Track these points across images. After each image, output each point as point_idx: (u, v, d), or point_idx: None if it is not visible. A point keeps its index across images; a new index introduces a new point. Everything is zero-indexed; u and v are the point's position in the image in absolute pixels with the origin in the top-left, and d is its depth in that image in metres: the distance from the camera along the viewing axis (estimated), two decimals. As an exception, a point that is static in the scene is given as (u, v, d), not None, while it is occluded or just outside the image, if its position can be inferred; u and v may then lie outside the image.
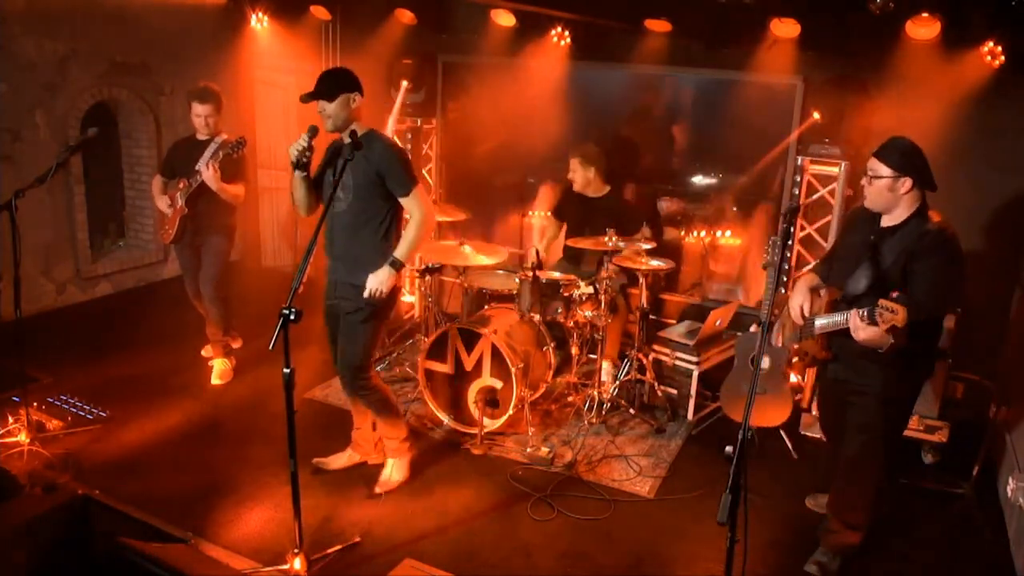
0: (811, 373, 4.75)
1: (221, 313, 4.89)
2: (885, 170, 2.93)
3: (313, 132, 3.37)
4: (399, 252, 3.48)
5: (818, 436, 4.29)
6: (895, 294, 2.75)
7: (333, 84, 3.36)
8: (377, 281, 3.44)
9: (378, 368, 5.11)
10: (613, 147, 5.72)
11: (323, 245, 3.57)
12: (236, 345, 5.26)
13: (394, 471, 3.86)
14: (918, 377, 3.15)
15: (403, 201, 3.49)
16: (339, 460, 3.99)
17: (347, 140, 3.29)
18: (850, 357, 3.10)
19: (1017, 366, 4.25)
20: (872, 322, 2.71)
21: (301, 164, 3.41)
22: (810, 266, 4.97)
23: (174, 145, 5.00)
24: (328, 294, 3.66)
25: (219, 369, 4.95)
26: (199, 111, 4.58)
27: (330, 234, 3.56)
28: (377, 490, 3.78)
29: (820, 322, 3.09)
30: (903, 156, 2.93)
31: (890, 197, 2.96)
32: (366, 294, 3.44)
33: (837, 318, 2.99)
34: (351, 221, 3.49)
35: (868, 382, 3.08)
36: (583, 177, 5.00)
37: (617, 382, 4.76)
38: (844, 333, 2.91)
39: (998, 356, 4.58)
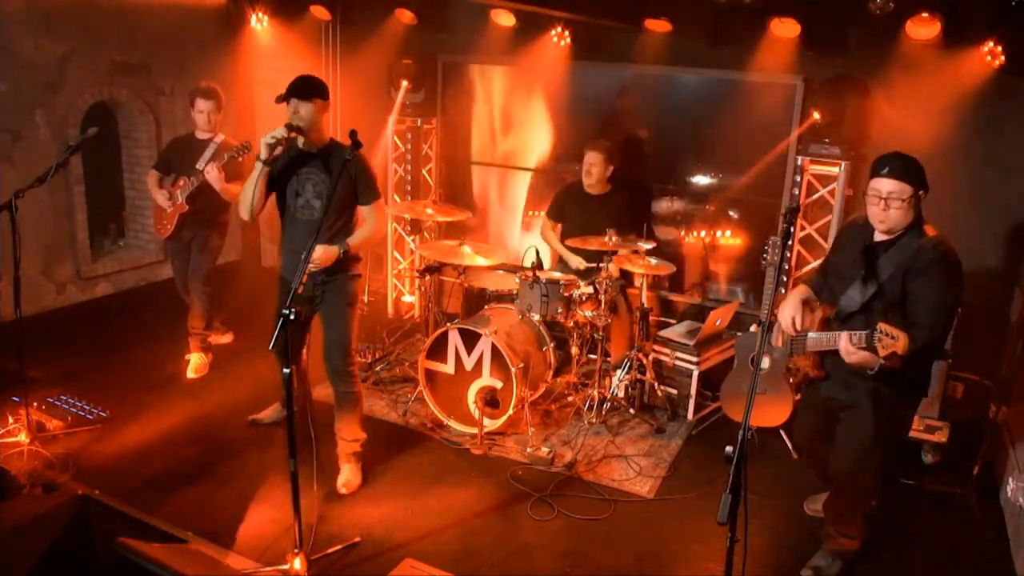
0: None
1: (206, 307, 4.96)
2: (909, 189, 2.83)
3: (291, 127, 3.45)
4: (352, 240, 3.63)
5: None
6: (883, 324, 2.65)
7: (309, 87, 3.52)
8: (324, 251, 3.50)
9: (378, 368, 5.12)
10: (614, 146, 5.72)
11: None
12: (225, 340, 5.40)
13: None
14: (913, 397, 3.11)
15: (364, 210, 3.67)
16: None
17: (304, 147, 3.55)
18: (843, 375, 3.05)
19: (1017, 366, 4.24)
20: (869, 347, 2.64)
21: (271, 157, 3.47)
22: (805, 270, 4.97)
23: (172, 142, 5.06)
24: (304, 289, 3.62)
25: (195, 363, 5.01)
26: (202, 107, 4.69)
27: (296, 241, 3.58)
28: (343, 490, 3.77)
29: (813, 338, 3.03)
30: (919, 171, 2.86)
31: (911, 215, 2.88)
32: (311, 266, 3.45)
33: (830, 337, 2.93)
34: (327, 228, 3.55)
35: (860, 399, 3.04)
36: (600, 173, 4.94)
37: (619, 382, 4.75)
38: (837, 351, 2.87)
39: (998, 356, 4.58)
